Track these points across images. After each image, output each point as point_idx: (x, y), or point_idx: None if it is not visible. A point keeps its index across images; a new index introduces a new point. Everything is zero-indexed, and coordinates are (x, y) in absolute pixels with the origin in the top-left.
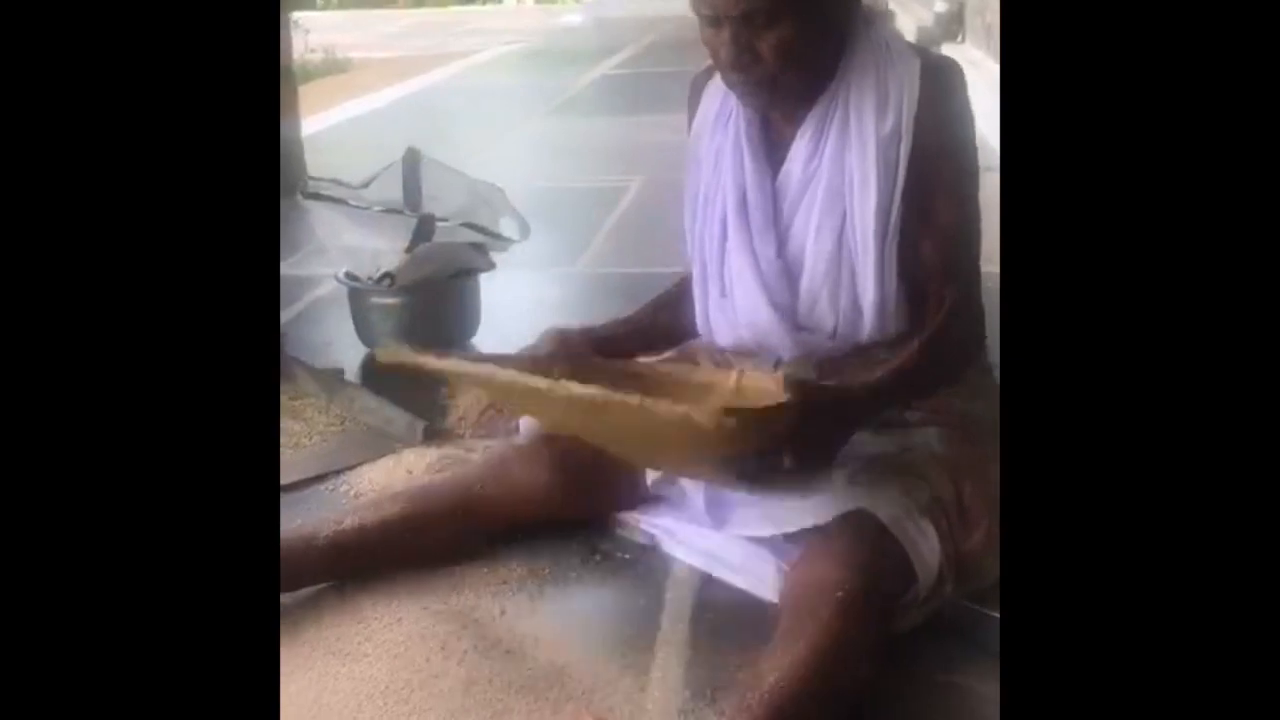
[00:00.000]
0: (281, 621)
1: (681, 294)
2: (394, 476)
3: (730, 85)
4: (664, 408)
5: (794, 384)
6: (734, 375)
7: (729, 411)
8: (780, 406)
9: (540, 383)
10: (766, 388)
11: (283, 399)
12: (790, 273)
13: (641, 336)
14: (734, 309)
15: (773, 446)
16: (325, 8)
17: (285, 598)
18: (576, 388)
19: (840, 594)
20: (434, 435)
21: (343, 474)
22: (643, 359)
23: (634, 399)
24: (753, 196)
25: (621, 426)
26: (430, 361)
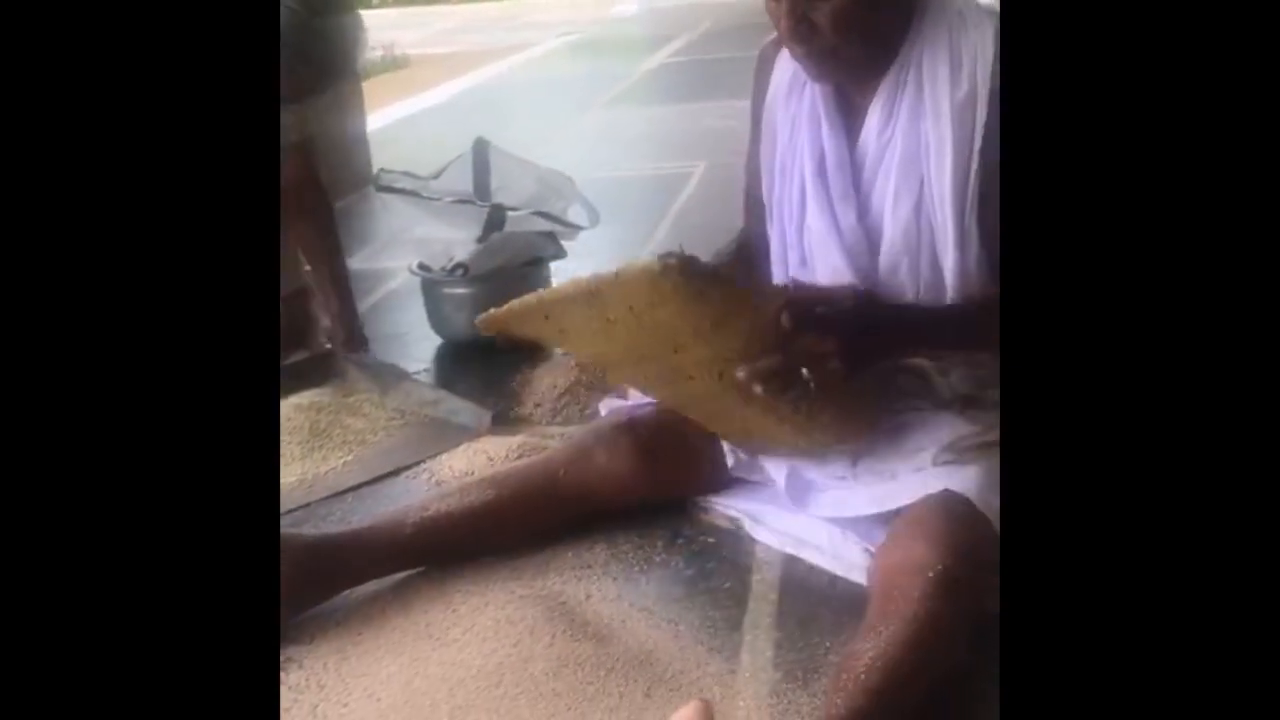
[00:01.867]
0: (370, 607)
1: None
2: (475, 463)
3: (793, 56)
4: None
5: (849, 293)
6: None
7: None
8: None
9: (570, 289)
10: None
11: (336, 397)
12: (870, 240)
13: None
14: (814, 277)
15: (823, 349)
16: (382, 5)
17: (374, 584)
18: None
19: (931, 575)
20: (504, 423)
21: (424, 463)
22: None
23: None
24: (831, 163)
25: (659, 333)
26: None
